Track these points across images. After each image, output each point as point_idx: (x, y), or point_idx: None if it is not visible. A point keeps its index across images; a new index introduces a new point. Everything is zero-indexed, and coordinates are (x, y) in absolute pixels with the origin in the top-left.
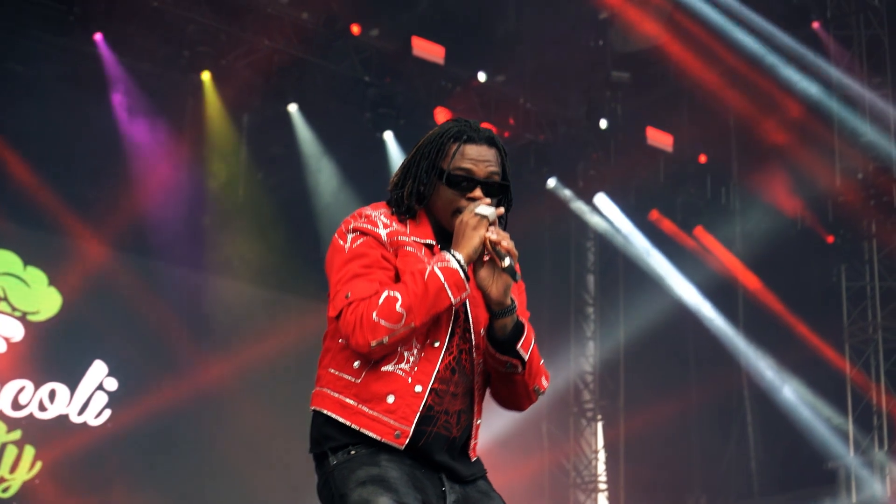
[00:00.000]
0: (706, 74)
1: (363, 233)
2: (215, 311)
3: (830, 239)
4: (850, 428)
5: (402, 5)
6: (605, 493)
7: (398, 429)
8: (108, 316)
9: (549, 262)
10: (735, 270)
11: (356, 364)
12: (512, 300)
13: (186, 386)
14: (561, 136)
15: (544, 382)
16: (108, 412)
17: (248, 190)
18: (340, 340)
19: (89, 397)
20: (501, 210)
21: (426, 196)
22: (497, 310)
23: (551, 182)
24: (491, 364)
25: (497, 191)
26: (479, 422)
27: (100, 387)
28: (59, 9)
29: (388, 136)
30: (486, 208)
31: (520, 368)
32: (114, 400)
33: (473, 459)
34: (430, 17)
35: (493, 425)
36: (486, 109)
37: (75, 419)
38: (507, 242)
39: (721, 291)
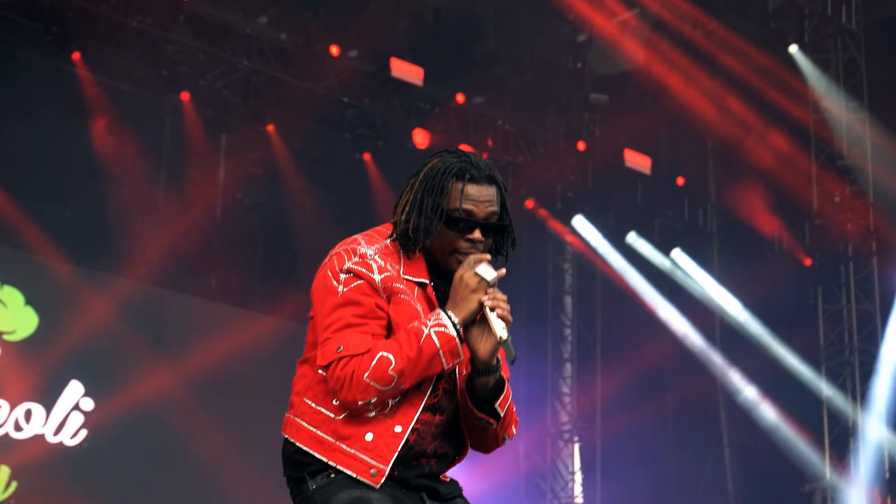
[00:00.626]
0: (684, 97)
1: (357, 276)
2: (193, 331)
3: (808, 261)
4: (827, 451)
5: (380, 26)
6: None
7: (374, 467)
8: (84, 336)
9: (526, 283)
10: (712, 292)
11: (336, 401)
12: (497, 360)
13: (164, 407)
14: (539, 158)
15: (514, 430)
16: (84, 432)
17: (226, 210)
18: (320, 371)
19: (65, 417)
20: (503, 272)
21: (433, 233)
22: (481, 368)
23: (529, 203)
24: (465, 414)
25: (496, 231)
26: (459, 458)
27: (76, 406)
28: (37, 28)
29: (368, 157)
30: (487, 270)
31: (494, 424)
32: (90, 420)
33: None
34: (409, 38)
35: None
36: (464, 130)
37: (51, 439)
38: (502, 310)
39: (698, 313)
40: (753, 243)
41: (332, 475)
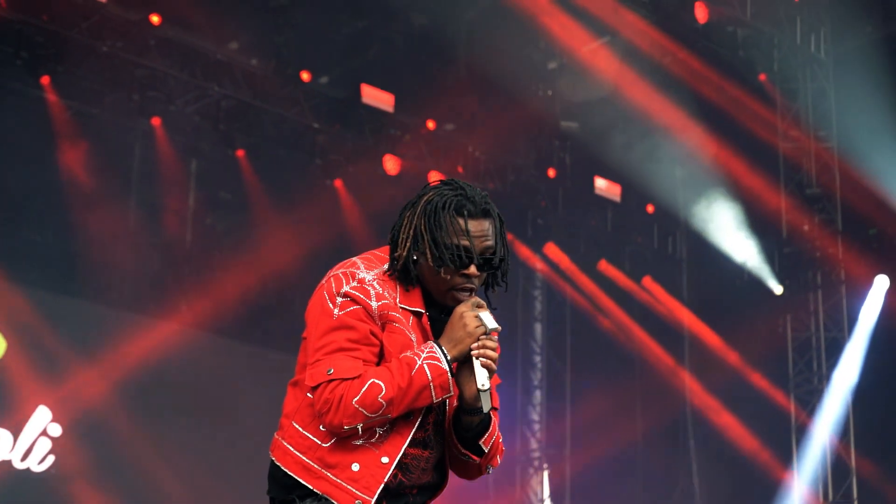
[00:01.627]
0: (654, 125)
1: (354, 301)
2: (164, 358)
3: (779, 289)
4: (796, 478)
5: (352, 53)
6: None
7: (360, 498)
8: (52, 361)
9: (496, 310)
10: (682, 320)
11: (330, 430)
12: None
13: (133, 434)
14: (510, 185)
15: (498, 460)
16: (51, 458)
17: (196, 235)
18: (309, 395)
19: (33, 443)
20: (499, 329)
21: (446, 266)
22: (467, 408)
23: None
24: (449, 447)
25: (491, 266)
26: (442, 489)
27: (43, 432)
28: (6, 52)
29: (339, 184)
30: (489, 318)
31: (477, 461)
32: (57, 446)
33: None
34: (380, 64)
35: None
36: (434, 157)
37: (18, 465)
38: (488, 359)
39: (668, 340)
40: (723, 271)
41: (321, 499)
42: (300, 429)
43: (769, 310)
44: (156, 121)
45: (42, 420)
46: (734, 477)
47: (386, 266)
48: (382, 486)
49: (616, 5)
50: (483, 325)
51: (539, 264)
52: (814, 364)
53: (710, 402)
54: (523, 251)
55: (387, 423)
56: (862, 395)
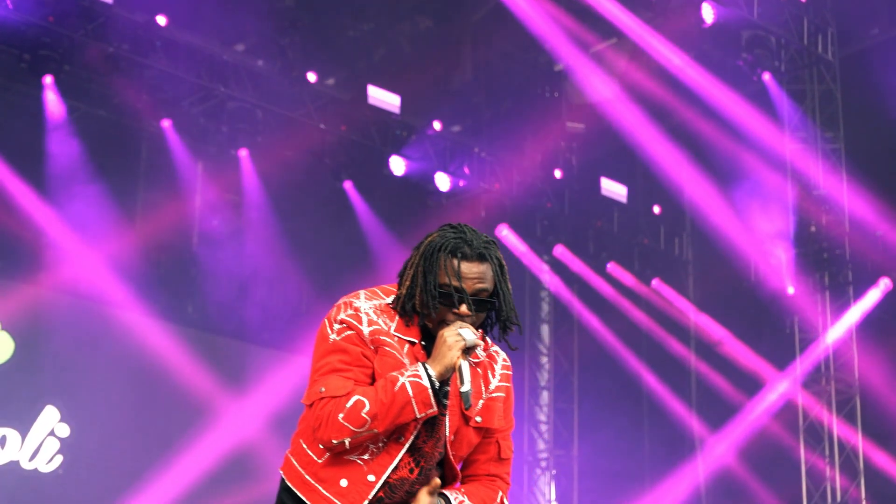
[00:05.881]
0: (660, 126)
1: (349, 327)
2: (169, 358)
3: (788, 290)
4: (804, 480)
5: (358, 54)
6: None
7: None
8: (60, 361)
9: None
10: (689, 321)
11: (321, 445)
12: None
13: (137, 432)
14: (516, 186)
15: None
16: (59, 458)
17: (202, 237)
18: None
19: (40, 443)
20: (480, 343)
21: (428, 308)
22: None
23: (505, 231)
24: None
25: (484, 306)
26: None
27: (51, 433)
28: (11, 53)
29: (349, 185)
30: (468, 331)
31: None
32: (65, 446)
33: None
34: (387, 66)
35: None
36: (441, 158)
37: (26, 465)
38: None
39: (676, 340)
40: (731, 272)
41: None
42: (304, 446)
43: (777, 311)
44: (162, 122)
45: (50, 420)
46: (738, 480)
47: (389, 299)
48: (367, 502)
49: (622, 7)
50: (462, 339)
51: (545, 266)
52: (821, 366)
53: (716, 403)
54: (529, 252)
55: (379, 441)
56: (869, 394)
